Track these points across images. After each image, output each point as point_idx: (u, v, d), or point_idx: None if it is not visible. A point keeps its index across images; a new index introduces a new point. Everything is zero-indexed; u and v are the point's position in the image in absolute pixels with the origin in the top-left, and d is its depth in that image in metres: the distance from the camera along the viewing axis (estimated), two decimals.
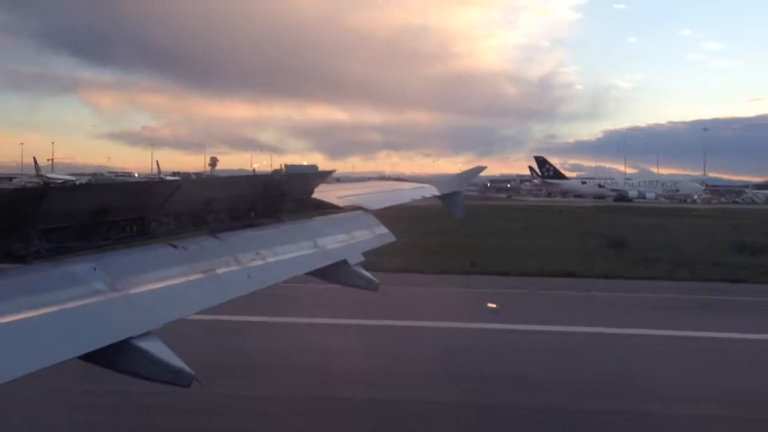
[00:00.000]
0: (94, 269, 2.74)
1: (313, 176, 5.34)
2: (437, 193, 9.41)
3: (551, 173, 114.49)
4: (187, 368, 2.68)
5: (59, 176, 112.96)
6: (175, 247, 3.33)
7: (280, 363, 10.65)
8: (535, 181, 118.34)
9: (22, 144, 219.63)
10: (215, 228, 3.82)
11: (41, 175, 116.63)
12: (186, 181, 3.55)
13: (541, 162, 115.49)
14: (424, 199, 8.99)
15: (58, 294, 2.50)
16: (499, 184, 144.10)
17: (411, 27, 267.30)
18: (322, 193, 5.50)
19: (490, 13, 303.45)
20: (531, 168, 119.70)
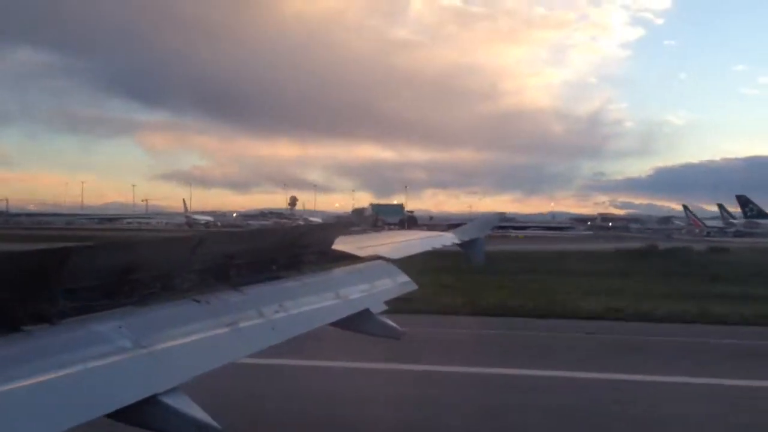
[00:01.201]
0: (120, 327, 2.76)
1: (333, 227, 5.38)
2: (457, 241, 9.41)
3: (755, 213, 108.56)
4: (213, 422, 2.67)
5: (202, 217, 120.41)
6: (199, 302, 3.35)
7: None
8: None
9: (83, 182, 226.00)
10: (237, 282, 3.84)
11: (188, 216, 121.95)
12: (208, 235, 3.59)
13: (744, 201, 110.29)
14: (445, 247, 8.98)
15: (85, 353, 2.52)
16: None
17: (459, 65, 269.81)
18: (343, 244, 5.53)
19: (537, 52, 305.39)
20: (721, 207, 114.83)
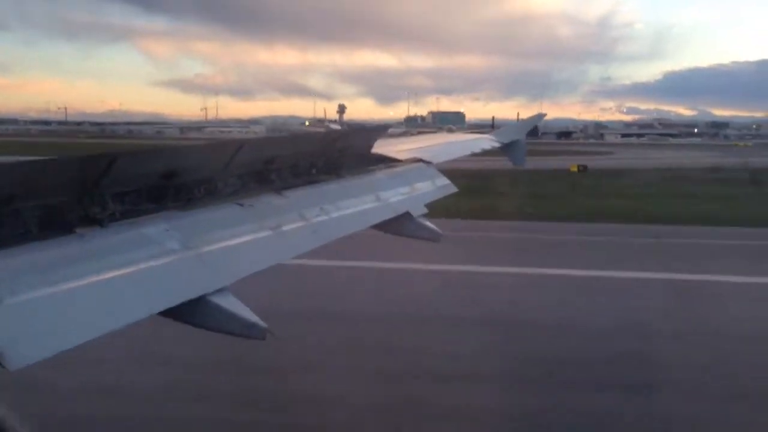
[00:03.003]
0: (167, 230, 2.84)
1: (372, 131, 5.33)
2: (497, 144, 9.29)
3: None
4: (261, 322, 2.77)
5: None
6: (242, 205, 3.41)
7: None
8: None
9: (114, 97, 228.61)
10: (279, 186, 3.88)
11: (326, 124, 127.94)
12: (247, 141, 3.61)
13: None
14: (484, 151, 8.87)
15: (135, 254, 2.61)
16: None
17: None
18: (382, 147, 5.50)
19: None
20: None
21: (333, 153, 4.57)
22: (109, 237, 2.62)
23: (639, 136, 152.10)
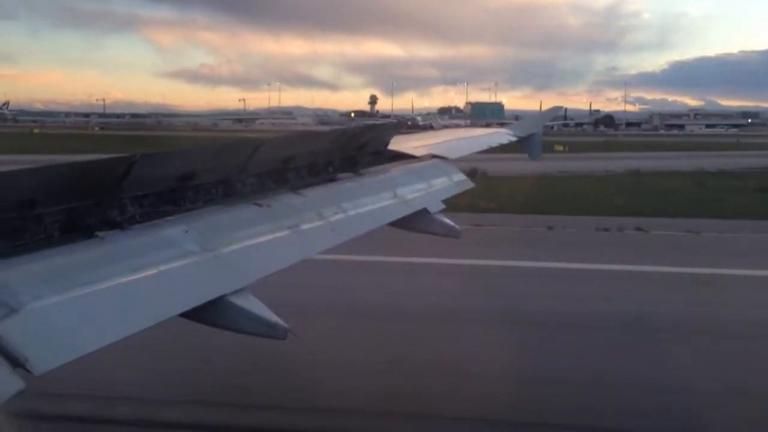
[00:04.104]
0: (186, 231, 2.85)
1: (389, 127, 5.33)
2: (514, 138, 9.24)
3: None
4: (281, 322, 2.78)
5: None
6: (260, 205, 3.42)
7: None
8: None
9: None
10: (296, 185, 3.89)
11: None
12: (265, 140, 3.61)
13: None
14: (501, 145, 8.83)
15: (155, 256, 2.62)
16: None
17: None
18: (398, 144, 5.49)
19: None
20: None
21: (350, 151, 4.57)
22: (129, 240, 2.64)
23: (680, 127, 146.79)
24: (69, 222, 2.52)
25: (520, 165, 27.08)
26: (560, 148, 55.45)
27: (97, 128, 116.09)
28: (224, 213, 3.23)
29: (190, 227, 2.89)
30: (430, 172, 5.47)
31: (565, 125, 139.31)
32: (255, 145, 3.45)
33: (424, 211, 4.80)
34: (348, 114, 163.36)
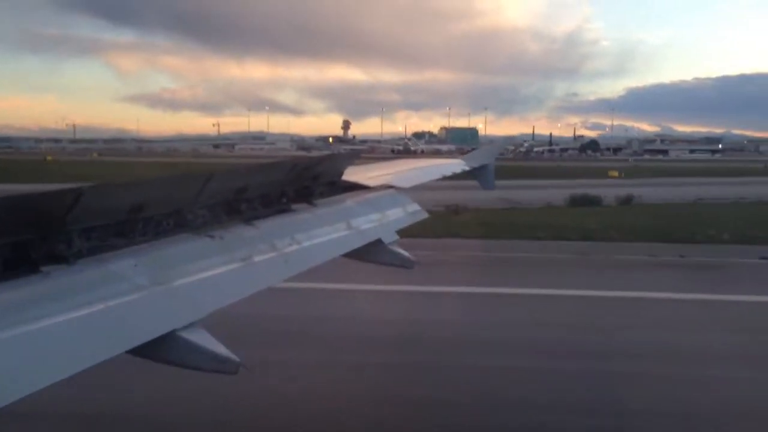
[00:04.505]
0: (135, 265, 2.79)
1: (344, 157, 5.34)
2: (467, 168, 9.35)
3: None
4: (233, 356, 2.73)
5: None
6: (212, 237, 3.37)
7: None
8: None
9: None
10: (249, 216, 3.85)
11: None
12: (217, 171, 3.58)
13: None
14: (455, 174, 8.93)
15: (103, 291, 2.55)
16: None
17: None
18: (352, 174, 5.50)
19: None
20: None
21: (304, 181, 4.56)
22: (76, 275, 2.56)
23: (663, 152, 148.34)
24: (12, 257, 2.44)
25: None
26: (615, 174, 56.86)
27: (96, 154, 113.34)
28: (175, 246, 3.17)
29: (139, 261, 2.83)
30: (384, 202, 5.48)
31: (551, 150, 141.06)
32: (207, 176, 3.41)
33: (378, 242, 4.81)
34: (326, 139, 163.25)
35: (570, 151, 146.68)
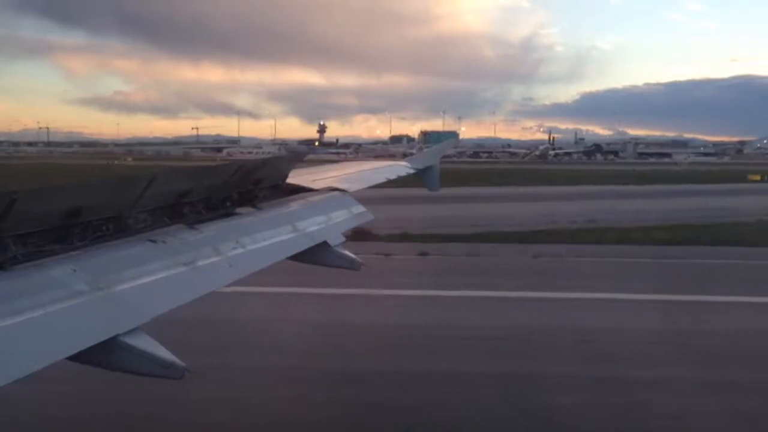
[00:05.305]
0: (74, 270, 2.72)
1: (288, 160, 5.32)
2: (411, 170, 9.41)
3: None
4: (178, 361, 2.69)
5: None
6: (154, 242, 3.31)
7: None
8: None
9: None
10: (193, 220, 3.80)
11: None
12: (158, 174, 3.52)
13: None
14: (400, 177, 8.97)
15: (40, 298, 2.48)
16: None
17: None
18: (297, 177, 5.49)
19: None
20: None
21: (246, 185, 4.52)
22: (12, 281, 2.49)
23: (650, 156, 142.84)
24: None
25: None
26: (756, 177, 53.80)
27: (130, 159, 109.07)
28: (116, 250, 3.11)
29: (78, 266, 2.76)
30: (329, 205, 5.48)
31: (568, 154, 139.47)
32: (149, 178, 3.36)
33: (324, 245, 4.80)
34: (309, 143, 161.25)
35: (574, 155, 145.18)
